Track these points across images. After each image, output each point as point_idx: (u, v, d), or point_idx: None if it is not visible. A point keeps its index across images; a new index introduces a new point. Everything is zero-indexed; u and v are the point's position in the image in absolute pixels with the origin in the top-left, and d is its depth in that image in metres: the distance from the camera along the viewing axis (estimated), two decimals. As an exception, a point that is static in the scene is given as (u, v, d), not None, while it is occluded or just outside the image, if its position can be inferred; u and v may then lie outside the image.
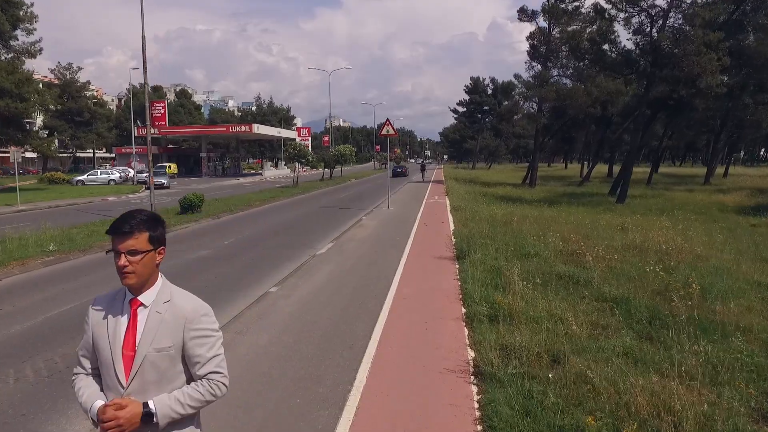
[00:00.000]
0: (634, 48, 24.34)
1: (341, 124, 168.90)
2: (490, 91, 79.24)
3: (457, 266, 9.38)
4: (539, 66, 37.26)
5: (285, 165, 63.26)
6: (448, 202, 23.23)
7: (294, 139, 71.01)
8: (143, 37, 18.21)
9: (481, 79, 79.44)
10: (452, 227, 14.72)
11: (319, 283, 8.57)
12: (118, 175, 44.07)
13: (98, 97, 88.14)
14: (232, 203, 23.94)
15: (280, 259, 10.94)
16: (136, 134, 62.96)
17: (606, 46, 24.76)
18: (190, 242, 13.93)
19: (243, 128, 57.43)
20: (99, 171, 44.78)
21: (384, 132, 20.08)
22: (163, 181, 38.37)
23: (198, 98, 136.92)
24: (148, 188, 39.80)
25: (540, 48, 36.69)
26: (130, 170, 45.93)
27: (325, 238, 13.61)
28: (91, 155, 78.58)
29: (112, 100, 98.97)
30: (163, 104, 17.96)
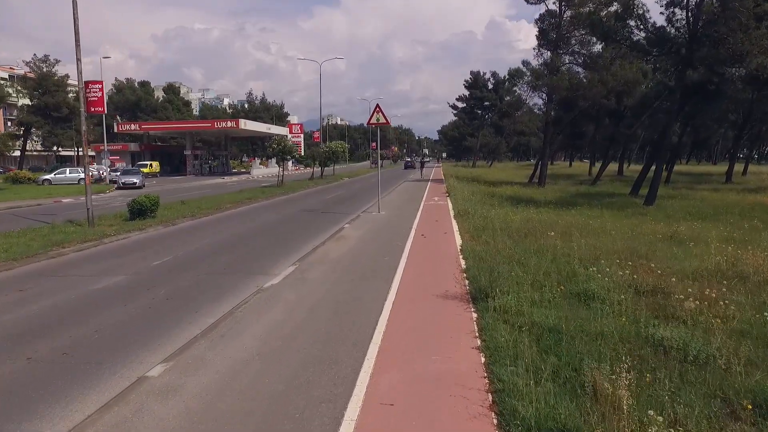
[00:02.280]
0: (666, 24, 20.80)
1: (339, 123, 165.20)
2: (491, 86, 75.53)
3: (475, 316, 5.86)
4: (548, 53, 33.73)
5: (276, 163, 59.50)
6: (450, 204, 19.70)
7: (285, 136, 67.21)
8: (74, 3, 14.61)
9: (481, 74, 75.66)
10: (459, 241, 11.19)
11: (241, 356, 5.02)
12: (89, 174, 40.38)
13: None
14: (198, 206, 20.38)
15: (207, 297, 7.42)
16: (115, 131, 59.44)
17: (632, 23, 21.21)
18: (111, 261, 10.43)
19: (229, 124, 53.73)
20: (68, 169, 41.03)
21: (373, 120, 16.52)
22: (134, 181, 34.65)
23: (193, 96, 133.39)
24: (119, 188, 36.42)
25: (550, 33, 33.13)
26: (105, 168, 42.33)
27: (288, 258, 10.08)
28: (79, 153, 74.79)
29: (110, 97, 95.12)
30: (100, 85, 14.52)
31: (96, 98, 15.77)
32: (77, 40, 14.78)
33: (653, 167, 27.94)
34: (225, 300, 7.14)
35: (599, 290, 6.13)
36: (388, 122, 16.34)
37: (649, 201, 21.83)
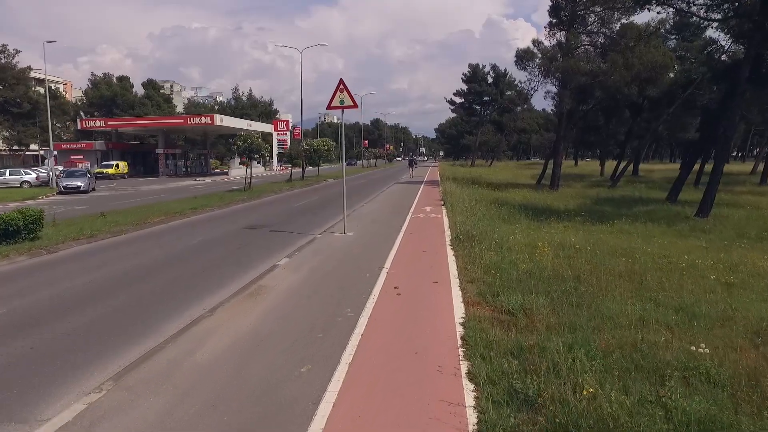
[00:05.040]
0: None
1: (335, 121, 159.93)
2: (491, 80, 70.35)
3: None
4: (562, 35, 28.71)
5: (258, 162, 54.15)
6: (446, 219, 14.66)
7: (270, 133, 62.03)
8: None
9: (480, 66, 70.51)
10: (460, 309, 6.12)
11: None
12: (34, 175, 35.26)
13: (63, 88, 78.84)
14: (116, 221, 15.28)
15: None
16: (79, 127, 54.12)
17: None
18: None
19: (204, 120, 48.50)
20: (8, 171, 35.78)
21: (336, 102, 11.50)
22: (78, 184, 29.40)
23: (186, 94, 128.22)
24: (61, 192, 31.24)
25: (564, 9, 28.10)
26: (59, 168, 37.23)
27: (114, 359, 5.02)
28: (53, 152, 69.39)
29: (85, 93, 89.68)
30: None
31: None
32: None
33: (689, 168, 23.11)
34: None
35: None
36: (355, 105, 11.30)
37: (702, 212, 16.90)
